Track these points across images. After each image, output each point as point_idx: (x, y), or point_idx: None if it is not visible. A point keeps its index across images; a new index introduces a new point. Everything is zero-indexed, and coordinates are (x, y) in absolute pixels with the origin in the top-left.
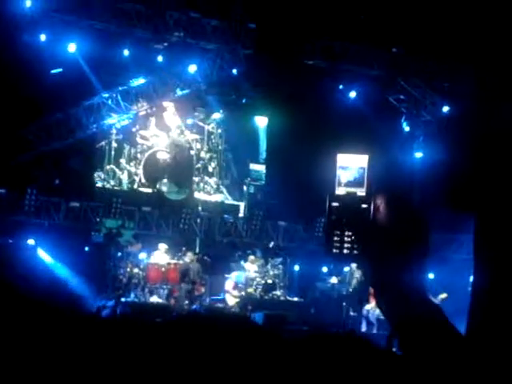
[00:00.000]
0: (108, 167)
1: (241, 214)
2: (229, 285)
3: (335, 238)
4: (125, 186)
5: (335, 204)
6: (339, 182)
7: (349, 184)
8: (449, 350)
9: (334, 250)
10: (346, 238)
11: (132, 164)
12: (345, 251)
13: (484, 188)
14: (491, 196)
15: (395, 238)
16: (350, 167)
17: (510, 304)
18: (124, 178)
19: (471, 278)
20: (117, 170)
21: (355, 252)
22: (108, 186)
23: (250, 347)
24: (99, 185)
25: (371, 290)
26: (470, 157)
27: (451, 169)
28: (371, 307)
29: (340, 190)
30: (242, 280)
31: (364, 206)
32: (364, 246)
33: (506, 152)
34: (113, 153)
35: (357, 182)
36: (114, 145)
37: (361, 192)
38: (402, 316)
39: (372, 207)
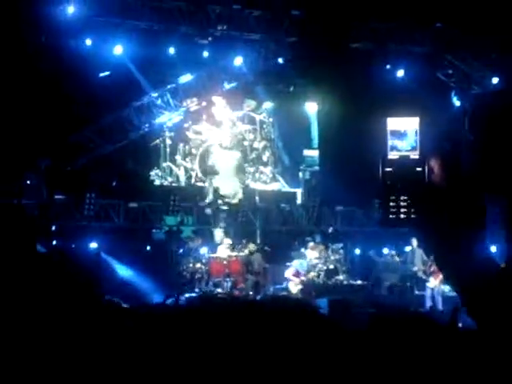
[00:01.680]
0: (164, 164)
1: (298, 201)
2: (289, 272)
3: (391, 204)
4: (182, 182)
5: (389, 169)
6: (391, 146)
7: (401, 148)
8: None
9: (391, 216)
10: (401, 203)
11: (188, 160)
12: (402, 216)
13: None
14: None
15: (451, 202)
16: (401, 130)
17: None
18: (181, 174)
19: None
20: (173, 166)
21: (412, 216)
22: (166, 183)
23: (312, 337)
24: (157, 182)
25: (433, 268)
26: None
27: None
28: (434, 285)
29: (392, 155)
30: (304, 267)
31: (418, 169)
32: (421, 210)
33: None
34: (168, 150)
35: (409, 145)
36: (169, 142)
37: (414, 155)
38: (468, 277)
39: (426, 170)
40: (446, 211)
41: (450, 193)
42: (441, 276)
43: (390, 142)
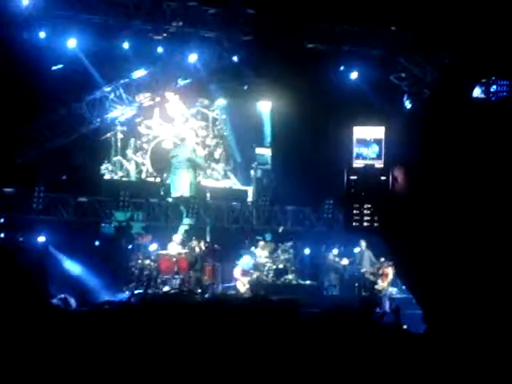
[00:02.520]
0: (115, 159)
1: (249, 199)
2: (237, 272)
3: (355, 212)
4: (133, 177)
5: (353, 177)
6: (357, 154)
7: (362, 154)
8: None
9: (354, 224)
10: (365, 211)
11: (138, 154)
12: (365, 224)
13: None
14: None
15: (414, 210)
16: (367, 139)
17: None
18: (131, 168)
19: None
20: (124, 161)
21: (375, 225)
22: (116, 177)
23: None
24: (107, 177)
25: (381, 271)
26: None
27: None
28: (382, 287)
29: (357, 163)
30: (251, 266)
31: (382, 177)
32: (384, 218)
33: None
34: (119, 144)
35: (369, 151)
36: (120, 136)
37: (379, 164)
38: (427, 289)
39: (390, 179)
40: (409, 220)
41: (412, 202)
42: (389, 278)
43: (356, 149)
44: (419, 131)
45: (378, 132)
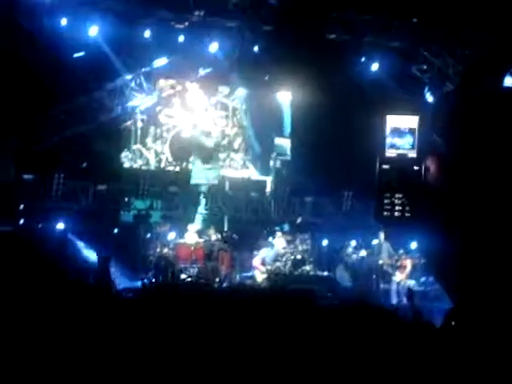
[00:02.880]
0: (135, 147)
1: (268, 189)
2: (256, 261)
3: (386, 201)
4: (152, 166)
5: (385, 166)
6: (390, 144)
7: (395, 144)
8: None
9: (385, 213)
10: (396, 201)
11: (158, 143)
12: (396, 214)
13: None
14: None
15: (447, 202)
16: (401, 128)
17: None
18: (151, 157)
19: None
20: (143, 149)
21: (407, 215)
22: (136, 165)
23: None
24: (127, 165)
25: (400, 263)
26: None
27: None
28: (400, 279)
29: (390, 152)
30: (271, 256)
31: (415, 167)
32: (415, 209)
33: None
34: (139, 133)
35: (403, 141)
36: (140, 125)
37: (412, 154)
38: (457, 279)
39: (423, 169)
40: (441, 211)
41: (445, 193)
42: (407, 270)
43: (390, 139)
44: (446, 123)
45: (412, 121)
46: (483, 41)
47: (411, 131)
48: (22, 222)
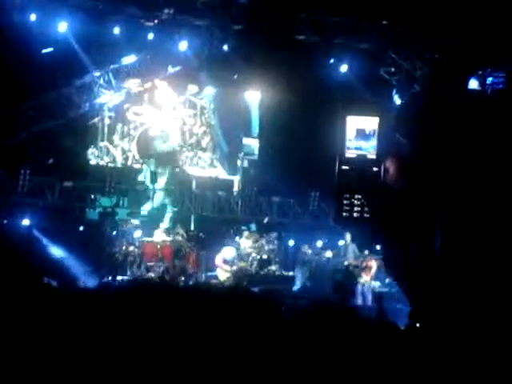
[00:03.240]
0: (102, 144)
1: (235, 189)
2: (218, 260)
3: (345, 202)
4: (119, 163)
5: (345, 167)
6: (349, 144)
7: (360, 147)
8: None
9: (344, 214)
10: (355, 202)
11: (125, 141)
12: (355, 215)
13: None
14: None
15: (405, 201)
16: (362, 129)
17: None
18: (118, 154)
19: None
20: (110, 146)
21: (365, 216)
22: (102, 162)
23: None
24: (93, 162)
25: (365, 264)
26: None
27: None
28: (365, 281)
29: (350, 153)
30: (233, 255)
31: (375, 169)
32: (374, 210)
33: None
34: (106, 130)
35: (368, 145)
36: (107, 122)
37: (371, 155)
38: (414, 279)
39: (382, 170)
40: (398, 212)
41: (403, 194)
42: (372, 272)
43: (355, 142)
44: (412, 125)
45: (372, 123)
46: (451, 44)
47: (371, 132)
48: None
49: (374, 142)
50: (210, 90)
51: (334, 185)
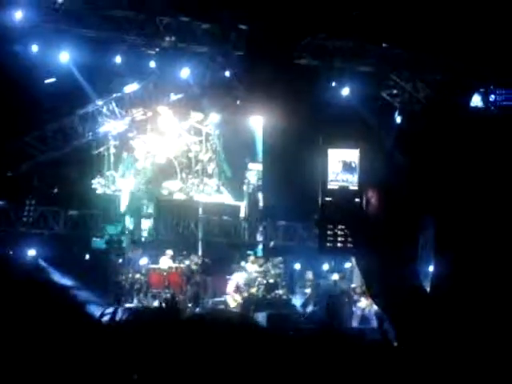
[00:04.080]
0: (108, 173)
1: (242, 214)
2: (230, 287)
3: (328, 233)
4: (125, 192)
5: (328, 199)
6: (337, 177)
7: (347, 180)
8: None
9: (328, 245)
10: (339, 232)
11: (131, 170)
12: (338, 245)
13: (439, 189)
14: (446, 197)
15: (386, 231)
16: (348, 162)
17: (468, 298)
18: (124, 183)
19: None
20: (116, 175)
21: (349, 246)
22: (109, 191)
23: (252, 347)
24: (99, 191)
25: (364, 288)
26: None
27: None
28: (366, 305)
29: (332, 185)
30: (244, 280)
31: (357, 199)
32: (357, 239)
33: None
34: (112, 159)
35: (354, 178)
36: (113, 151)
37: (353, 186)
38: (396, 308)
39: (364, 201)
40: (380, 241)
41: (386, 224)
42: None
43: (342, 175)
44: (412, 143)
45: (352, 155)
46: (452, 65)
47: (352, 164)
48: None
49: (347, 169)
50: (215, 117)
51: (317, 216)
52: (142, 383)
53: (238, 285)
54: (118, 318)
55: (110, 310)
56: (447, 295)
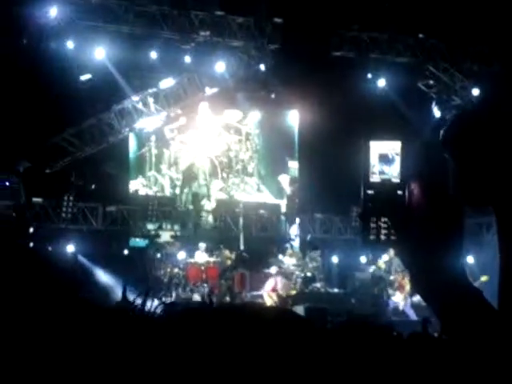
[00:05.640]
0: (149, 173)
1: (282, 211)
2: (268, 286)
3: (372, 225)
4: (167, 192)
5: (370, 192)
6: (373, 169)
7: (383, 171)
8: (488, 332)
9: (372, 237)
10: (382, 225)
11: (173, 169)
12: (382, 238)
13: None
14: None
15: (430, 223)
16: (388, 156)
17: None
18: (166, 183)
19: None
20: (158, 175)
21: (392, 238)
22: (151, 192)
23: (290, 336)
24: (142, 192)
25: (398, 283)
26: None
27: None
28: (400, 299)
29: (374, 178)
30: (282, 283)
31: (399, 192)
32: (400, 232)
33: None
34: (153, 159)
35: (391, 169)
36: (154, 151)
37: (395, 179)
38: (442, 301)
39: (407, 193)
40: (424, 234)
41: (429, 216)
42: (406, 290)
43: (379, 167)
44: (463, 141)
45: (394, 147)
46: (489, 56)
47: (394, 156)
48: (31, 244)
49: (397, 166)
50: (255, 116)
51: (360, 209)
52: (170, 372)
53: (276, 287)
54: (147, 310)
55: (139, 300)
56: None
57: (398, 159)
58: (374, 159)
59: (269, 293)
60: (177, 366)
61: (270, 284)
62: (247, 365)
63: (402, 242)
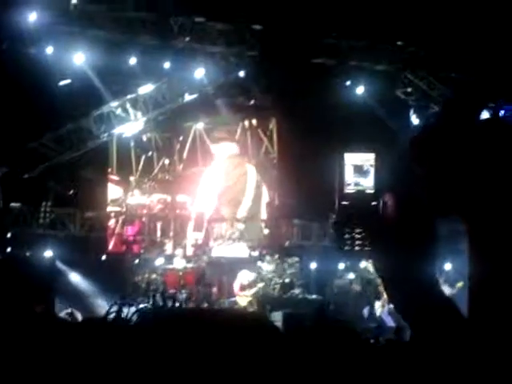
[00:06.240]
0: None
1: (262, 216)
2: (236, 287)
3: (346, 236)
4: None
5: (344, 202)
6: (348, 181)
7: (358, 183)
8: (457, 339)
9: (346, 248)
10: (356, 235)
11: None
12: (356, 248)
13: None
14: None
15: (403, 234)
16: (363, 167)
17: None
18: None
19: None
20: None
21: (366, 248)
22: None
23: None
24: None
25: (379, 288)
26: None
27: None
28: (378, 306)
29: (349, 189)
30: (251, 278)
31: (373, 203)
32: (374, 242)
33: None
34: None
35: (366, 181)
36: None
37: (370, 190)
38: (412, 310)
39: (381, 204)
40: (397, 244)
41: (402, 226)
42: (384, 296)
43: (354, 178)
44: (432, 153)
45: (369, 158)
46: (468, 65)
47: (369, 168)
48: (9, 250)
49: (371, 178)
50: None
51: (334, 220)
52: (147, 378)
53: (242, 283)
54: (123, 316)
55: (115, 308)
56: (486, 298)
57: (372, 171)
58: (348, 171)
59: (238, 293)
60: (148, 371)
61: (236, 285)
62: (211, 370)
63: (376, 253)
